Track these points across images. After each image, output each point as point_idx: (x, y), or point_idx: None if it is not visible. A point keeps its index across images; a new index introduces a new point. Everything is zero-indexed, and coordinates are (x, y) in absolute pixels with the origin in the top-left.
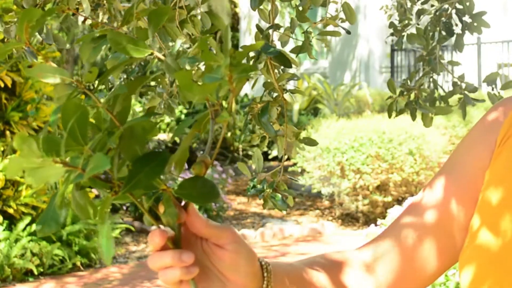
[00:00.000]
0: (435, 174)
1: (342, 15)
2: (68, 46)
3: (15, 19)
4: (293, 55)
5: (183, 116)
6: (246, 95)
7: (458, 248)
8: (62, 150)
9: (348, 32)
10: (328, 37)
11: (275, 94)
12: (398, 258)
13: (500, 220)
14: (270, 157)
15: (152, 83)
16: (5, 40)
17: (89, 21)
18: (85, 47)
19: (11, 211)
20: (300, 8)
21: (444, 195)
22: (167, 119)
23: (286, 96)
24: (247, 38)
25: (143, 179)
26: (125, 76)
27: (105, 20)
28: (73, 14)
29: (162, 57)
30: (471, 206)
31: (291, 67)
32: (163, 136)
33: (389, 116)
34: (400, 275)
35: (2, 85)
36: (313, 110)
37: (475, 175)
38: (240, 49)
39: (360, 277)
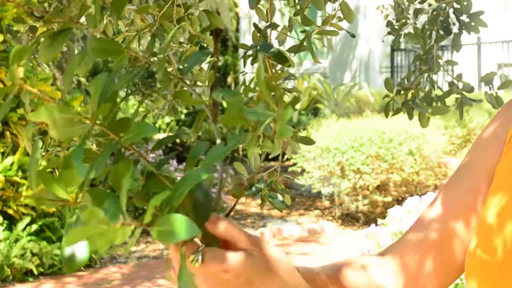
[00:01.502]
0: (448, 180)
1: (340, 14)
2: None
3: (26, 28)
4: (291, 54)
5: (183, 116)
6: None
7: (461, 262)
8: (124, 213)
9: (353, 36)
10: (329, 36)
11: (272, 93)
12: (402, 274)
13: (498, 230)
14: (270, 157)
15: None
16: (6, 39)
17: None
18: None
19: (11, 211)
20: (298, 7)
21: (451, 208)
22: (167, 119)
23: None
24: (247, 38)
25: (202, 220)
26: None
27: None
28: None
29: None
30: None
31: (289, 66)
32: (163, 136)
33: (386, 116)
34: None
35: (1, 86)
36: (313, 110)
37: (488, 175)
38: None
39: (364, 279)
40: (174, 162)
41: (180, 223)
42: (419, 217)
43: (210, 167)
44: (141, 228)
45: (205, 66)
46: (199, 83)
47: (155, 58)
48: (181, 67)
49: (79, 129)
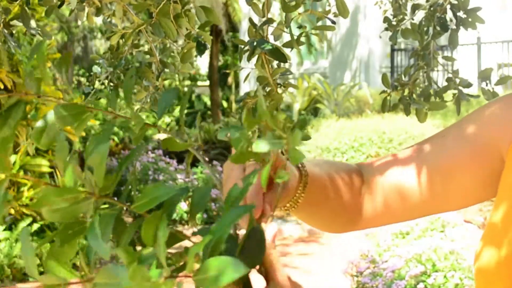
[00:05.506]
0: (446, 129)
1: (335, 10)
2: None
3: (0, 9)
4: (287, 50)
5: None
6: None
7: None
8: (165, 267)
9: (333, 22)
10: (329, 36)
11: (268, 89)
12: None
13: (509, 226)
14: None
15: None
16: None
17: (86, 20)
18: None
19: (12, 211)
20: (294, 3)
21: (443, 159)
22: (167, 119)
23: (280, 91)
24: (247, 38)
25: (251, 266)
26: (111, 70)
27: (91, 14)
28: (60, 6)
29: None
30: (477, 172)
31: (286, 62)
32: (163, 136)
33: (383, 111)
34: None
35: (2, 87)
36: (313, 110)
37: (491, 147)
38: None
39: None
40: (174, 162)
41: (227, 264)
42: (406, 154)
43: (245, 207)
44: (183, 279)
45: (203, 64)
46: (199, 83)
47: (137, 50)
48: (164, 59)
49: (83, 207)
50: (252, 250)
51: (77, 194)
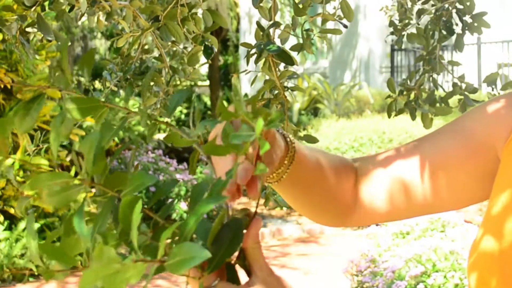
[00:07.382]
0: (440, 128)
1: (340, 13)
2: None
3: (15, 17)
4: (294, 53)
5: (183, 116)
6: (246, 94)
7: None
8: (136, 250)
9: (345, 26)
10: (329, 36)
11: (275, 92)
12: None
13: (505, 221)
14: None
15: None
16: (6, 38)
17: (86, 20)
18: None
19: (12, 211)
20: (300, 6)
21: (438, 158)
22: (166, 118)
23: (286, 94)
24: (248, 37)
25: (225, 256)
26: (121, 74)
27: (101, 18)
28: (70, 10)
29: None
30: (471, 170)
31: (293, 64)
32: (163, 136)
33: (389, 116)
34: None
35: (2, 86)
36: (313, 110)
37: (487, 145)
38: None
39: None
40: (174, 162)
41: (190, 250)
42: (403, 148)
43: (218, 197)
44: (155, 264)
45: (205, 65)
46: (199, 83)
47: (148, 56)
48: (174, 65)
49: (75, 193)
50: (227, 240)
51: (68, 179)
